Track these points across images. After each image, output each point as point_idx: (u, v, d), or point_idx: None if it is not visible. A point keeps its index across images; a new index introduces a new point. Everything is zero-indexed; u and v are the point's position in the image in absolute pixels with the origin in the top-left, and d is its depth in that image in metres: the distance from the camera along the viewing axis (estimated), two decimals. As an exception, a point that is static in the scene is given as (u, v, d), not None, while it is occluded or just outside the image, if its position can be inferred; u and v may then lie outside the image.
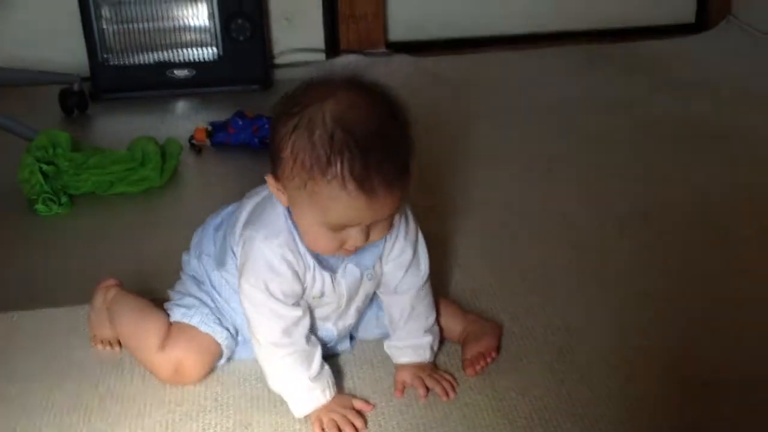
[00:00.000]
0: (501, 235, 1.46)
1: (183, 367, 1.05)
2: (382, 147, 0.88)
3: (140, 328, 1.08)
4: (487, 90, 2.31)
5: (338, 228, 0.92)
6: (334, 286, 1.01)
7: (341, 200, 0.89)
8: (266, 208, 1.00)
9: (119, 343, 1.14)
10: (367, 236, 0.93)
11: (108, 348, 1.14)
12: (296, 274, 0.98)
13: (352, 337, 1.14)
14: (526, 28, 2.69)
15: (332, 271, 1.00)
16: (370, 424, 1.00)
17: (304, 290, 1.00)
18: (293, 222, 0.97)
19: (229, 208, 1.11)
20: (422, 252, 1.07)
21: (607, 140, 1.91)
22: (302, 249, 0.98)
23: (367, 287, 1.05)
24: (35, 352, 1.15)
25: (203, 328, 1.07)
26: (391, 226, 0.97)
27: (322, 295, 1.01)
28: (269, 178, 0.96)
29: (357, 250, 0.97)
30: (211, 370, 1.09)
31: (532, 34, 2.68)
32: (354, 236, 0.93)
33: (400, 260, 1.05)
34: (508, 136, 1.96)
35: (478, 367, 1.07)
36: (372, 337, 1.14)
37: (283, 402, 1.01)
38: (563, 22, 2.71)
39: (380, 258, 1.04)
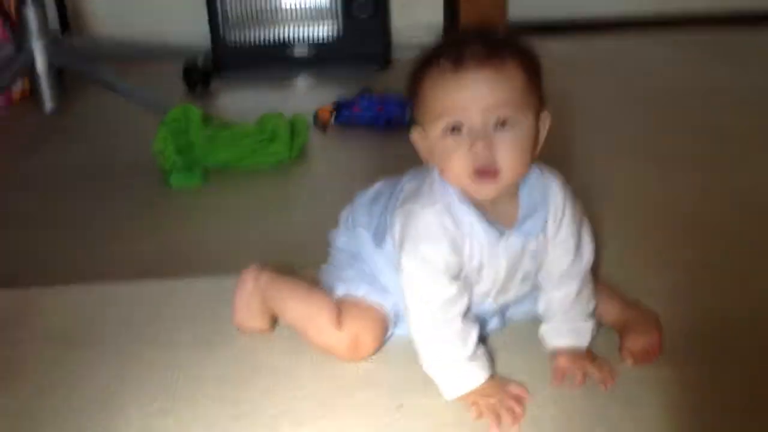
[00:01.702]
0: (646, 230, 1.40)
1: (361, 341, 1.04)
2: (479, 35, 0.94)
3: (311, 310, 1.07)
4: (614, 76, 2.24)
5: (451, 119, 0.92)
6: (492, 258, 0.99)
7: (437, 79, 0.92)
8: (423, 182, 1.00)
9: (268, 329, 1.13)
10: (487, 139, 0.91)
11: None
12: (455, 243, 0.96)
13: (502, 316, 1.10)
14: (651, 9, 2.59)
15: (497, 233, 0.97)
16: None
17: (462, 264, 0.98)
18: (452, 187, 0.96)
19: (381, 186, 1.10)
20: (587, 237, 1.04)
21: (738, 135, 1.82)
22: (461, 215, 0.96)
23: (527, 265, 1.02)
24: (185, 322, 1.15)
25: (371, 298, 1.06)
26: (516, 143, 0.92)
27: (481, 267, 0.99)
28: (411, 134, 1.00)
29: (492, 175, 0.92)
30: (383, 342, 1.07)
31: (658, 18, 2.58)
32: (470, 134, 0.91)
33: (567, 245, 1.02)
34: (634, 128, 1.89)
35: (642, 363, 1.02)
36: (522, 313, 1.10)
37: (435, 384, 0.98)
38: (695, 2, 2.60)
39: (545, 234, 1.00)
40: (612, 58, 2.42)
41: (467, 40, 0.94)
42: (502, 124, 0.92)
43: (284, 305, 1.10)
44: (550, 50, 2.34)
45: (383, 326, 1.06)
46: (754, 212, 1.44)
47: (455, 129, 0.92)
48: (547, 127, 0.98)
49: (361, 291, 1.07)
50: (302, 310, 1.08)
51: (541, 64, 0.96)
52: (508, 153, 0.92)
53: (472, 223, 0.97)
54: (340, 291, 1.08)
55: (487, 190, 0.94)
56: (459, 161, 0.93)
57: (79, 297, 1.22)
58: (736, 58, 2.35)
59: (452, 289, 0.97)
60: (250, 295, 1.12)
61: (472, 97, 0.91)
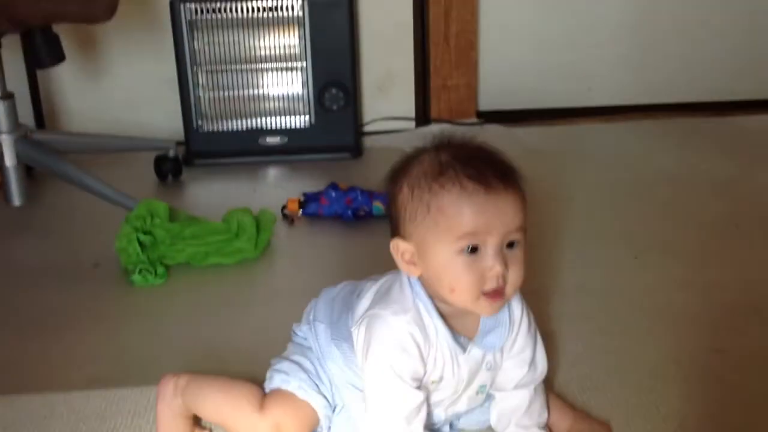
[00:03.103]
0: (605, 324, 1.40)
1: (282, 429, 1.02)
2: (487, 157, 0.95)
3: (232, 396, 1.05)
4: (580, 163, 2.26)
5: (472, 241, 0.91)
6: (454, 370, 0.98)
7: (462, 201, 0.91)
8: (392, 288, 1.00)
9: None
10: (503, 261, 0.91)
11: None
12: (421, 354, 0.95)
13: (451, 425, 1.09)
14: (620, 100, 2.64)
15: (461, 348, 0.97)
16: None
17: (425, 373, 0.97)
18: (425, 295, 0.96)
19: (346, 285, 1.10)
20: (540, 348, 1.05)
21: (710, 223, 1.83)
22: (429, 326, 0.96)
23: (483, 377, 1.01)
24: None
25: (300, 395, 1.05)
26: (522, 263, 0.94)
27: (440, 379, 0.98)
28: (393, 243, 0.97)
29: (501, 295, 0.93)
30: None
31: (626, 106, 2.63)
32: (491, 257, 0.91)
33: (522, 357, 1.03)
34: (603, 215, 1.90)
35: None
36: (474, 422, 1.10)
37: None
38: (658, 94, 2.66)
39: (502, 348, 1.00)
40: (582, 146, 2.44)
41: (477, 156, 0.95)
42: (510, 245, 0.93)
43: (204, 400, 1.08)
44: (519, 138, 2.41)
45: (309, 422, 1.05)
46: (726, 310, 1.43)
47: (472, 249, 0.92)
48: None
49: (291, 386, 1.05)
50: (222, 398, 1.06)
51: None
52: (516, 273, 0.94)
53: (438, 335, 0.97)
54: (274, 383, 1.07)
55: (493, 309, 0.95)
56: (473, 282, 0.92)
57: (22, 408, 1.19)
58: (706, 144, 2.38)
59: (418, 396, 0.96)
60: (169, 402, 1.09)
61: (499, 220, 0.92)
